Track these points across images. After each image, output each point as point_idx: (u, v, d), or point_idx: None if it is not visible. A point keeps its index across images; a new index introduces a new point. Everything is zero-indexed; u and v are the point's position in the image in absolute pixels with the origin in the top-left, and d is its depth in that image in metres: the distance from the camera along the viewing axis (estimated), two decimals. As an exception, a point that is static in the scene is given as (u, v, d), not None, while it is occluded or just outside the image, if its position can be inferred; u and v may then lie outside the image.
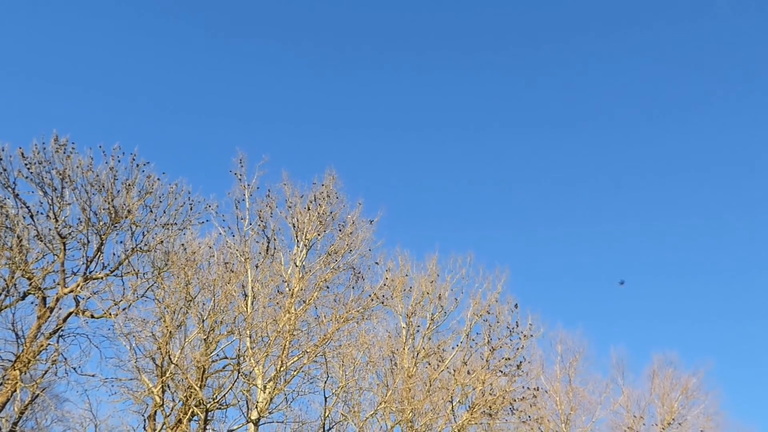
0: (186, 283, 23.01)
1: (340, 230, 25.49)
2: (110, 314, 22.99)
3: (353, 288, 24.26)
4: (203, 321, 22.07)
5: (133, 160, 24.05)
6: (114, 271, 23.95)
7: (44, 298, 22.89)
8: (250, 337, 22.47)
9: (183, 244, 24.68)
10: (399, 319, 28.50)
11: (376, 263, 25.76)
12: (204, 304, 23.04)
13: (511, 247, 61.84)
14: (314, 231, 25.40)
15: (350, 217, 25.96)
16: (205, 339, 22.37)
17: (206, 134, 67.38)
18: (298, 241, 25.41)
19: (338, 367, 23.35)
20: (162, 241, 24.54)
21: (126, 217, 23.80)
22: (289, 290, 23.61)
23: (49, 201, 22.95)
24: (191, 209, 25.16)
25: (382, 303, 24.48)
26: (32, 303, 23.02)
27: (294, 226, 25.48)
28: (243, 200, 25.45)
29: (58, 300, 22.96)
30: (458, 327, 28.28)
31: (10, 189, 22.62)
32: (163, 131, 65.24)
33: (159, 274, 24.03)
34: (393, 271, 28.22)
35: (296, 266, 24.79)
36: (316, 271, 24.47)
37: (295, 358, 22.48)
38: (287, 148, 65.20)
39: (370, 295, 23.97)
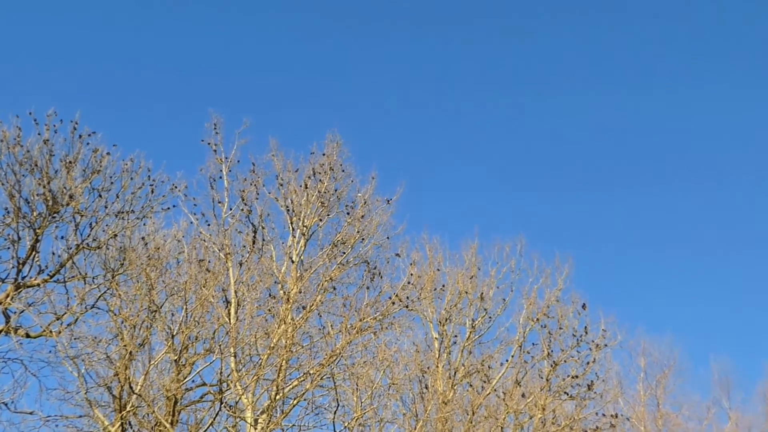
0: (149, 288, 23.02)
1: (348, 213, 25.47)
2: (51, 332, 22.78)
3: (368, 288, 24.19)
4: (173, 337, 22.03)
5: (74, 129, 23.81)
6: (54, 275, 23.65)
7: (-34, 314, 22.73)
8: (235, 357, 22.55)
9: (143, 238, 24.59)
10: (429, 328, 28.62)
11: (397, 255, 25.63)
12: (173, 314, 23.08)
13: (573, 230, 61.27)
14: (314, 215, 25.41)
15: (361, 195, 25.87)
16: (176, 360, 22.47)
17: (170, 94, 67.40)
18: (293, 229, 25.40)
19: (351, 393, 23.33)
20: (116, 235, 24.30)
21: (67, 205, 23.53)
22: (285, 294, 23.63)
23: (-34, 187, 22.77)
24: (152, 192, 24.83)
25: (407, 307, 24.35)
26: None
27: (288, 210, 25.47)
28: (220, 178, 25.50)
29: (-18, 316, 22.82)
30: (507, 336, 28.41)
31: None
32: (114, 92, 65.32)
33: (113, 277, 23.80)
34: (419, 264, 28.15)
35: (292, 262, 24.77)
36: (318, 267, 24.46)
37: (295, 382, 22.58)
38: (276, 111, 65.05)
39: (390, 298, 23.94)
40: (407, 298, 24.23)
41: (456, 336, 28.08)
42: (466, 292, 28.48)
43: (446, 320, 28.08)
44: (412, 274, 25.08)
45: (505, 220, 59.28)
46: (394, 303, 23.80)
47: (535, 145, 70.12)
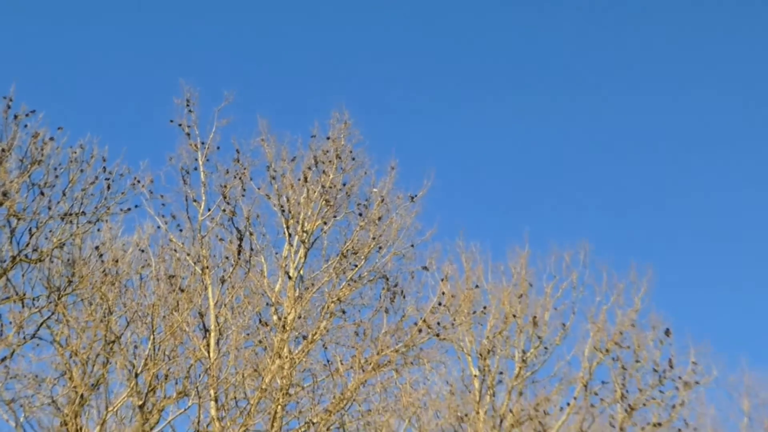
0: (105, 312, 22.73)
1: (360, 215, 25.24)
2: (-19, 369, 22.61)
3: (387, 312, 24.03)
4: (136, 376, 21.85)
5: (8, 108, 23.47)
6: (-18, 295, 23.51)
7: None
8: (216, 401, 22.28)
9: (97, 248, 24.37)
10: (467, 362, 28.34)
11: (425, 268, 25.38)
12: (137, 346, 22.81)
13: (649, 234, 60.63)
14: (317, 217, 25.19)
15: (377, 191, 25.56)
16: (140, 406, 22.13)
17: (128, 63, 67.46)
18: (290, 235, 25.10)
19: (367, 448, 22.94)
20: (62, 244, 24.10)
21: (0, 205, 23.26)
22: (279, 319, 23.19)
23: None
24: (108, 188, 24.70)
25: (438, 336, 24.06)
26: None
27: (283, 211, 25.16)
28: (195, 169, 25.27)
29: None
30: (569, 372, 28.33)
31: None
32: (57, 61, 65.36)
33: (59, 298, 23.59)
34: (453, 280, 27.86)
35: (289, 278, 24.43)
36: (322, 284, 24.16)
37: (294, 435, 22.13)
38: (266, 86, 64.92)
39: (416, 323, 23.67)
40: (438, 324, 23.94)
41: (502, 373, 28.00)
42: (515, 316, 28.31)
43: (489, 352, 27.96)
44: (444, 293, 24.73)
45: (563, 221, 58.74)
46: (421, 330, 23.50)
47: (601, 132, 69.69)
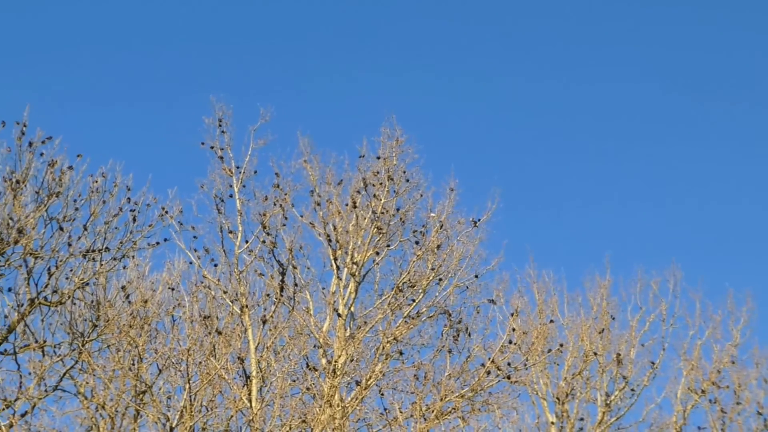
0: (135, 359, 22.95)
1: (417, 243, 25.32)
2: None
3: (450, 352, 24.01)
4: (171, 430, 21.92)
5: (22, 134, 24.04)
6: (0, 343, 23.80)
7: None
8: None
9: (123, 287, 24.69)
10: (543, 408, 28.29)
11: (491, 302, 25.31)
12: (170, 396, 23.00)
13: (747, 256, 59.79)
14: (368, 247, 25.31)
15: (435, 216, 25.64)
16: None
17: (152, 81, 68.30)
18: (338, 267, 25.23)
19: (432, 508, 22.92)
20: (85, 284, 24.45)
21: (15, 243, 23.67)
22: (329, 362, 23.29)
23: None
24: (134, 221, 25.09)
25: (508, 378, 23.95)
26: None
27: (329, 240, 25.30)
28: (230, 196, 25.47)
29: None
30: (660, 417, 27.97)
31: None
32: (72, 80, 66.40)
33: (83, 345, 23.88)
34: (525, 314, 27.74)
35: (339, 316, 24.54)
36: (376, 322, 24.25)
37: (348, 493, 22.22)
38: (302, 101, 65.30)
39: (483, 365, 23.62)
40: (508, 364, 23.84)
41: (582, 419, 27.79)
42: (596, 353, 28.13)
43: (567, 396, 27.80)
44: (514, 329, 24.59)
45: (648, 244, 58.19)
46: (489, 372, 23.44)
47: (691, 144, 69.19)
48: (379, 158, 26.04)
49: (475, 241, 25.59)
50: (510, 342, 24.17)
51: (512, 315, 25.11)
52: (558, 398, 27.98)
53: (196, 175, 26.24)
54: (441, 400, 22.57)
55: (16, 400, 23.21)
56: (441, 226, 25.36)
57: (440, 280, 25.00)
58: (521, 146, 68.18)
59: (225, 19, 71.10)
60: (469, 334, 24.32)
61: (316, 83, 69.29)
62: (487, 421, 24.09)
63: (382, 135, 26.30)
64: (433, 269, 24.92)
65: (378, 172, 25.84)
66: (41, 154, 24.20)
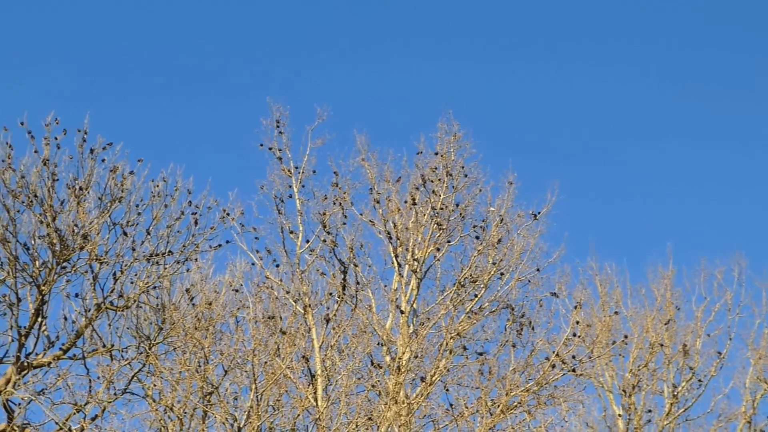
0: (201, 361, 23.17)
1: (477, 238, 25.31)
2: (70, 429, 23.14)
3: (514, 346, 23.97)
4: (239, 430, 22.04)
5: (83, 141, 24.23)
6: (69, 349, 24.20)
7: (-48, 409, 23.47)
8: None
9: (188, 290, 24.95)
10: (609, 401, 28.26)
11: (554, 295, 25.19)
12: (237, 397, 23.15)
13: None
14: (428, 243, 25.34)
15: (494, 210, 25.60)
16: None
17: (207, 83, 68.75)
18: (399, 265, 25.32)
19: (500, 502, 22.94)
20: (150, 288, 24.69)
21: (81, 249, 23.95)
22: (393, 359, 23.42)
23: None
24: (196, 224, 25.27)
25: (574, 371, 23.88)
26: (-67, 419, 23.68)
27: (390, 238, 25.39)
28: (290, 197, 25.69)
29: (-24, 411, 23.50)
30: (728, 407, 27.79)
31: None
32: (125, 85, 67.05)
33: (150, 348, 24.15)
34: (588, 307, 27.62)
35: (401, 313, 24.62)
36: (439, 318, 24.25)
37: (416, 489, 22.29)
38: (356, 96, 65.37)
39: (548, 358, 23.58)
40: (573, 357, 23.75)
41: (650, 411, 27.62)
42: (661, 345, 27.96)
43: (633, 388, 27.65)
44: (578, 322, 24.41)
45: (711, 233, 57.50)
46: (554, 366, 23.36)
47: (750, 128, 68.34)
48: (436, 154, 26.06)
49: (535, 234, 25.55)
50: (574, 335, 24.03)
51: (575, 308, 25.01)
52: (624, 390, 27.84)
53: (255, 176, 26.49)
54: (506, 394, 22.50)
55: (86, 404, 23.41)
56: (501, 220, 25.32)
57: (502, 274, 24.95)
58: (580, 137, 67.78)
59: (275, 20, 71.35)
60: (533, 328, 24.25)
61: (370, 81, 69.39)
62: (553, 414, 23.92)
63: (439, 131, 26.34)
64: (494, 263, 24.89)
65: (436, 168, 25.87)
66: (103, 161, 24.42)
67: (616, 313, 28.31)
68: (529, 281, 25.12)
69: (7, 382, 23.42)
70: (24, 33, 66.23)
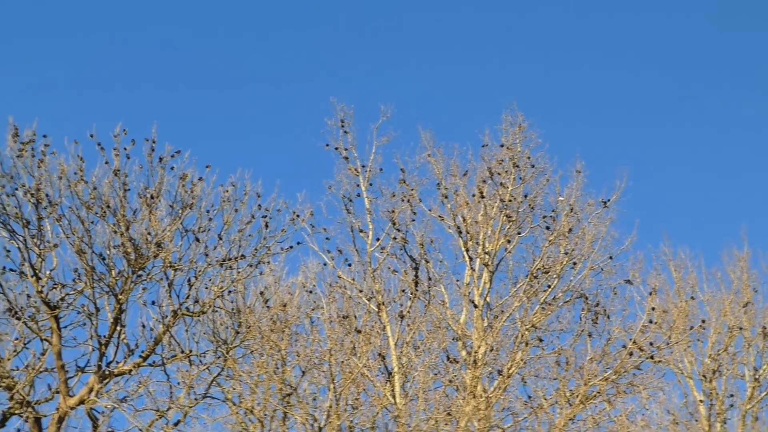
0: (279, 363, 23.37)
1: (548, 228, 25.28)
2: (152, 435, 23.63)
3: (590, 336, 24.03)
4: (320, 430, 22.19)
5: (152, 150, 24.46)
6: (148, 356, 24.43)
7: (38, 420, 23.79)
8: None
9: (262, 293, 25.10)
10: (689, 387, 28.06)
11: (628, 282, 25.17)
12: (316, 397, 23.37)
13: None
14: (499, 235, 25.35)
15: (563, 199, 25.56)
16: None
17: (268, 82, 69.10)
18: (470, 258, 25.39)
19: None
20: (225, 292, 24.93)
21: (155, 257, 24.19)
22: (469, 353, 23.43)
23: (21, 245, 23.81)
24: (266, 227, 25.38)
25: (651, 358, 23.85)
26: (18, 431, 23.97)
27: (460, 232, 25.45)
28: (358, 196, 25.86)
29: (61, 420, 23.75)
30: None
31: (-46, 235, 23.73)
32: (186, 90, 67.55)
33: (227, 352, 24.39)
34: (663, 292, 27.49)
35: (475, 307, 24.65)
36: (513, 310, 24.32)
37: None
38: (416, 93, 65.23)
39: (624, 346, 23.52)
40: (650, 344, 23.73)
41: (732, 395, 27.37)
42: (740, 328, 27.67)
43: (714, 373, 27.40)
44: (653, 309, 24.42)
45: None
46: (631, 354, 23.35)
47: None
48: (502, 146, 26.06)
49: (606, 222, 25.49)
50: (650, 322, 23.99)
51: (650, 294, 24.93)
52: (704, 376, 27.60)
53: (322, 177, 26.52)
54: (585, 384, 22.49)
55: (168, 410, 23.68)
56: (571, 210, 25.29)
57: (574, 263, 24.93)
58: (648, 122, 67.14)
59: (332, 20, 71.57)
60: (608, 317, 24.24)
61: (432, 76, 69.29)
62: (633, 403, 23.85)
63: (504, 122, 26.34)
64: (566, 253, 24.86)
65: (503, 160, 25.84)
66: (172, 168, 24.59)
67: (692, 298, 28.09)
68: (602, 269, 25.08)
69: (90, 391, 23.70)
70: (89, 47, 67.15)
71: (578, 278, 24.92)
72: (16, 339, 23.83)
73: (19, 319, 23.65)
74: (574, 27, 71.44)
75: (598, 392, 22.83)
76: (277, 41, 70.01)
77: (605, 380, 22.94)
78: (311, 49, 70.18)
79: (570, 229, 25.05)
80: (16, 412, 23.70)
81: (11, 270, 23.84)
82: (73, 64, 65.03)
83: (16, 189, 23.74)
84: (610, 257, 25.19)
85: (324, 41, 70.66)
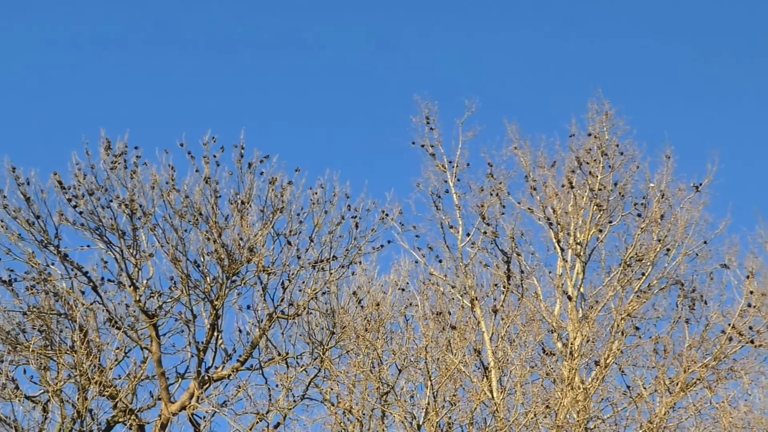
0: (375, 362, 23.54)
1: (639, 215, 25.20)
2: (254, 439, 23.86)
3: (688, 322, 23.78)
4: (418, 428, 22.27)
5: (241, 156, 24.86)
6: (246, 360, 24.86)
7: (141, 427, 24.30)
8: None
9: (355, 293, 25.34)
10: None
11: (724, 266, 24.81)
12: (413, 395, 23.37)
13: None
14: (590, 225, 25.35)
15: (654, 186, 25.36)
16: None
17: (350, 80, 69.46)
18: (562, 249, 25.36)
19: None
20: (318, 294, 25.22)
21: (248, 262, 24.60)
22: (565, 345, 23.47)
23: (117, 255, 24.41)
24: (356, 227, 25.71)
25: (752, 343, 23.41)
26: (123, 438, 24.57)
27: (550, 224, 25.47)
28: (446, 192, 25.99)
29: (164, 426, 24.22)
30: None
31: (53, 248, 24.36)
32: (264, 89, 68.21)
33: (323, 353, 24.67)
34: (761, 275, 26.92)
35: (569, 298, 24.63)
36: (608, 300, 24.22)
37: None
38: (498, 84, 65.01)
39: (724, 331, 23.27)
40: (750, 328, 23.35)
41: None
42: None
43: (818, 356, 26.72)
44: (752, 292, 23.93)
45: None
46: (731, 339, 23.09)
47: None
48: (590, 135, 26.05)
49: (698, 206, 25.32)
50: (749, 305, 23.59)
51: (747, 278, 24.49)
52: (808, 360, 27.09)
53: (410, 174, 26.71)
54: (684, 371, 22.25)
55: (267, 413, 23.98)
56: (662, 196, 25.16)
57: (668, 250, 24.80)
58: (738, 103, 66.12)
59: (407, 18, 71.68)
60: (705, 302, 24.01)
61: (513, 66, 69.04)
62: (735, 388, 23.52)
63: (590, 111, 26.36)
64: (659, 240, 24.75)
65: (590, 149, 25.83)
66: (261, 173, 25.00)
67: (790, 278, 27.60)
68: (697, 255, 24.97)
69: (191, 396, 24.19)
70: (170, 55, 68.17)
71: (673, 265, 24.80)
72: (117, 348, 24.31)
73: (119, 328, 24.16)
74: (658, 6, 70.73)
75: (698, 379, 22.53)
76: (358, 44, 70.49)
77: (705, 367, 22.63)
78: (394, 46, 70.48)
79: (662, 216, 24.90)
80: (120, 420, 24.20)
81: (109, 281, 24.42)
82: (160, 70, 66.17)
83: (111, 201, 24.30)
84: (705, 242, 25.07)
85: (404, 39, 70.89)
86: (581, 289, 24.91)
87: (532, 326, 23.90)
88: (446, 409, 22.53)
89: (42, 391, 23.54)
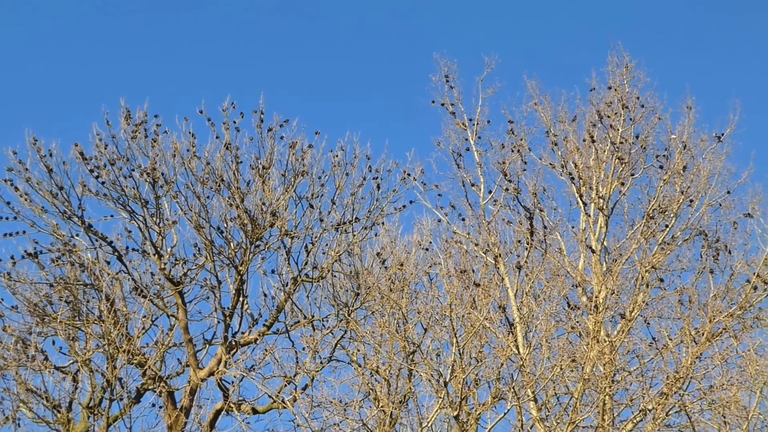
0: (401, 321, 23.80)
1: (661, 167, 25.38)
2: (284, 401, 24.03)
3: (712, 273, 23.90)
4: (445, 385, 22.46)
5: (261, 122, 24.97)
6: (272, 324, 25.11)
7: (170, 393, 24.74)
8: (536, 401, 22.83)
9: (378, 254, 25.57)
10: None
11: (747, 215, 24.97)
12: (439, 353, 23.65)
13: None
14: (612, 179, 25.47)
15: (676, 137, 25.52)
16: (455, 417, 22.57)
17: (366, 41, 69.43)
18: (584, 204, 25.51)
19: (718, 430, 22.87)
20: (342, 256, 25.44)
21: (271, 226, 24.81)
22: (590, 299, 23.71)
23: (141, 224, 24.76)
24: (378, 188, 25.79)
25: (775, 293, 23.46)
26: (153, 405, 24.79)
27: (572, 178, 25.63)
28: (467, 150, 26.12)
29: (193, 392, 24.63)
30: None
31: (77, 219, 24.69)
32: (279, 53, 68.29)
33: (349, 314, 24.91)
34: (786, 224, 27.03)
35: (592, 252, 24.81)
36: (632, 253, 24.39)
37: (629, 425, 22.41)
38: (515, 40, 64.83)
39: (748, 281, 23.44)
40: (774, 278, 23.41)
41: None
42: None
43: (843, 300, 26.74)
44: (777, 242, 24.29)
45: None
46: (756, 288, 23.21)
47: None
48: (610, 88, 26.14)
49: (721, 156, 25.40)
50: (774, 253, 23.89)
51: (772, 227, 24.76)
52: (832, 304, 27.13)
53: (430, 133, 26.96)
54: (710, 322, 22.22)
55: (295, 375, 24.31)
56: (684, 147, 25.24)
57: (691, 201, 24.91)
58: (757, 51, 65.71)
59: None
60: (729, 252, 24.11)
61: (530, 21, 68.84)
62: (761, 337, 23.72)
63: (610, 64, 26.44)
64: (682, 192, 24.84)
65: (611, 103, 25.91)
66: (281, 138, 25.15)
67: (816, 226, 27.63)
68: (720, 205, 25.08)
69: (219, 362, 24.49)
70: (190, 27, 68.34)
71: (696, 216, 24.93)
72: (144, 317, 24.60)
73: (145, 297, 24.46)
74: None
75: (724, 329, 22.65)
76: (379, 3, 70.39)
77: (730, 316, 22.72)
78: (413, 6, 70.38)
79: (684, 167, 24.97)
80: (150, 387, 24.47)
81: (134, 250, 24.70)
82: (177, 37, 66.43)
83: (133, 170, 24.55)
84: (728, 192, 25.19)
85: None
86: (605, 243, 25.03)
87: (556, 281, 24.11)
88: (473, 366, 22.65)
89: (71, 361, 23.81)
